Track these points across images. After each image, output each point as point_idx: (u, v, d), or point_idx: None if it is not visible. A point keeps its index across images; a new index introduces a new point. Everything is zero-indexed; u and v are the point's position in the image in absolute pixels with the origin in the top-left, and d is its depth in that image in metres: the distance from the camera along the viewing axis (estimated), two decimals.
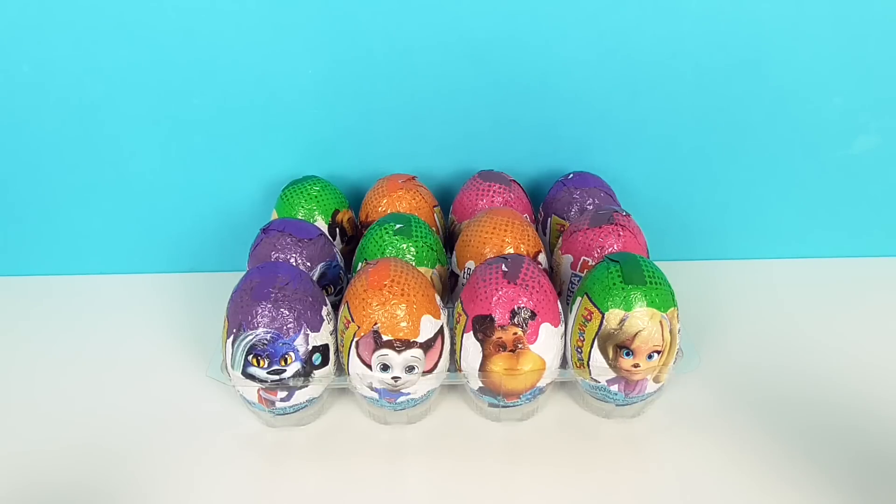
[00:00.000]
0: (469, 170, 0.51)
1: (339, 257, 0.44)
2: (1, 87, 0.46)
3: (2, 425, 0.41)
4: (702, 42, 0.46)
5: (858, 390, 0.43)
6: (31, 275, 0.54)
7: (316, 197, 0.47)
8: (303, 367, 0.36)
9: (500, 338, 0.36)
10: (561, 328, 0.38)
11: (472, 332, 0.37)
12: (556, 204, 0.48)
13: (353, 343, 0.36)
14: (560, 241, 0.44)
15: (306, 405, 0.39)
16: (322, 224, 0.47)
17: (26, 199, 0.51)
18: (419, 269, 0.39)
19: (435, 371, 0.38)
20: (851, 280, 0.53)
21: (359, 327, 0.36)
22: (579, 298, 0.38)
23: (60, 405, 0.43)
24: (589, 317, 0.37)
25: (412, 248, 0.42)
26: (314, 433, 0.40)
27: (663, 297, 0.36)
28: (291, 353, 0.36)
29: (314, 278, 0.41)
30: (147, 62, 0.45)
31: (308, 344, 0.36)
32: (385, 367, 0.36)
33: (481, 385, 0.38)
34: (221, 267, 0.52)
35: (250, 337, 0.35)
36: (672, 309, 0.36)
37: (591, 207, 0.46)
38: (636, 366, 0.36)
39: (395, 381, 0.37)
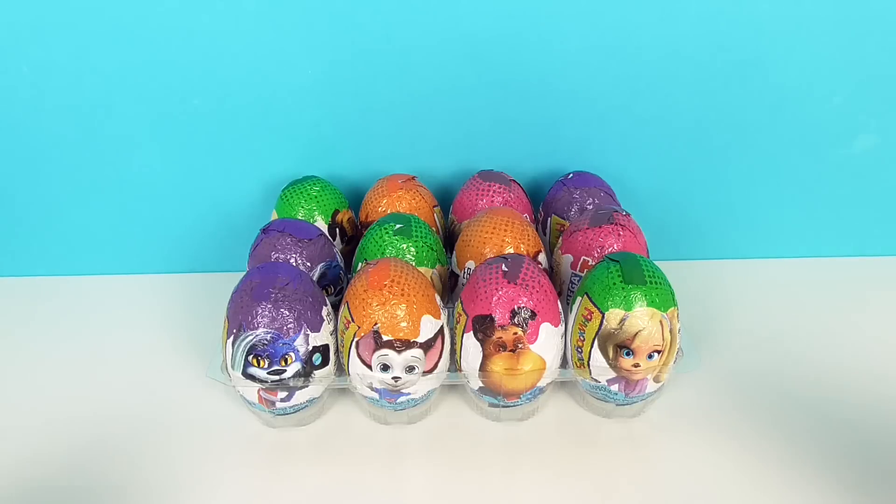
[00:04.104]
0: (469, 170, 0.51)
1: (339, 257, 0.44)
2: (1, 87, 0.46)
3: (1, 426, 0.41)
4: (702, 42, 0.46)
5: (859, 389, 0.43)
6: (31, 275, 0.54)
7: (316, 197, 0.47)
8: (303, 367, 0.36)
9: (501, 338, 0.36)
10: (561, 328, 0.38)
11: (472, 332, 0.37)
12: (556, 204, 0.48)
13: (354, 343, 0.36)
14: (560, 240, 0.44)
15: (306, 405, 0.39)
16: (322, 224, 0.47)
17: (26, 199, 0.51)
18: (419, 269, 0.39)
19: (435, 371, 0.38)
20: (851, 279, 0.53)
21: (359, 327, 0.36)
22: (579, 298, 0.38)
23: (59, 406, 0.43)
24: (589, 316, 0.37)
25: (412, 248, 0.42)
26: (314, 433, 0.40)
27: (663, 296, 0.36)
28: (291, 354, 0.36)
29: (314, 278, 0.41)
30: (147, 62, 0.45)
31: (308, 344, 0.36)
32: (385, 368, 0.36)
33: (481, 385, 0.38)
34: (221, 267, 0.52)
35: (250, 337, 0.35)
36: (672, 308, 0.36)
37: (591, 207, 0.46)
38: (636, 365, 0.36)
39: (396, 382, 0.37)
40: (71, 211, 0.51)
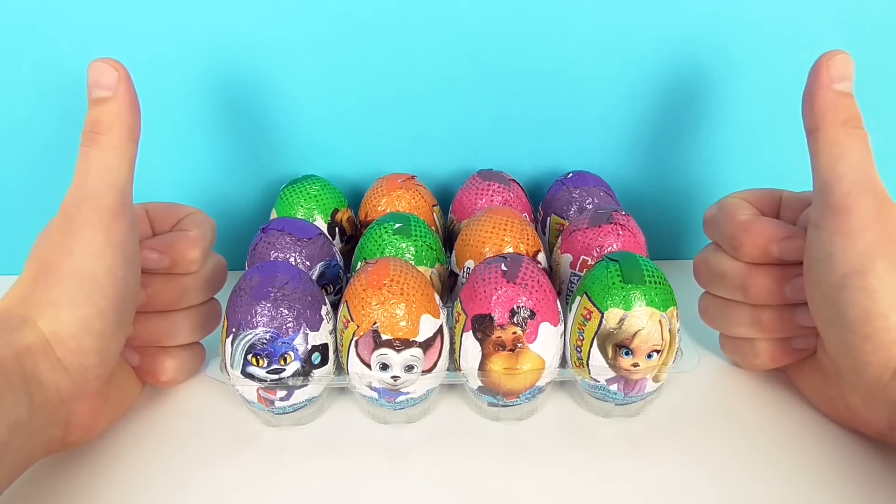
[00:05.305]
0: (468, 169, 0.51)
1: (338, 257, 0.44)
2: (1, 87, 0.46)
3: None
4: (702, 42, 0.46)
5: None
6: None
7: (315, 196, 0.47)
8: (302, 366, 0.36)
9: (500, 337, 0.36)
10: (560, 327, 0.38)
11: (471, 332, 0.37)
12: (555, 203, 0.48)
13: (353, 342, 0.36)
14: (559, 240, 0.44)
15: (306, 404, 0.39)
16: (321, 223, 0.47)
17: (26, 199, 0.51)
18: (418, 268, 0.39)
19: (434, 370, 0.38)
20: None
21: (358, 326, 0.36)
22: (578, 298, 0.38)
23: None
24: (588, 316, 0.37)
25: (411, 248, 0.42)
26: (314, 432, 0.40)
27: (663, 296, 0.36)
28: (291, 353, 0.36)
29: (313, 278, 0.41)
30: (147, 62, 0.45)
31: (307, 343, 0.36)
32: (384, 367, 0.36)
33: (480, 384, 0.38)
34: None
35: (249, 336, 0.35)
36: (671, 308, 0.37)
37: (591, 207, 0.46)
38: (635, 365, 0.36)
39: (395, 381, 0.37)
40: None
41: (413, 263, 0.40)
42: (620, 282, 0.36)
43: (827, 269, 0.34)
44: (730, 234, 0.39)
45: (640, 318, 0.35)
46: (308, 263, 0.41)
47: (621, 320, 0.36)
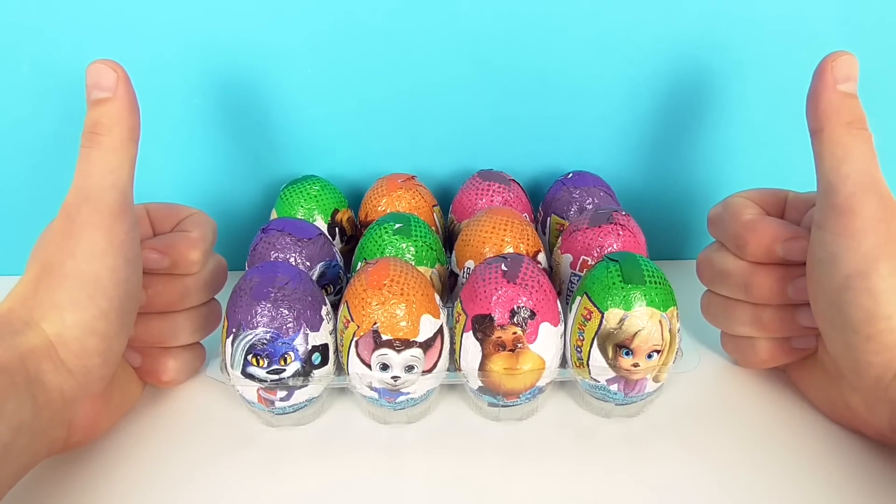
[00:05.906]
0: (468, 169, 0.51)
1: (338, 257, 0.44)
2: (1, 87, 0.46)
3: None
4: (702, 41, 0.46)
5: None
6: None
7: (315, 196, 0.47)
8: (302, 366, 0.36)
9: (500, 337, 0.36)
10: (560, 327, 0.38)
11: (471, 332, 0.37)
12: (555, 203, 0.48)
13: (353, 342, 0.36)
14: (559, 240, 0.44)
15: (306, 405, 0.39)
16: (321, 223, 0.47)
17: (26, 199, 0.51)
18: (419, 268, 0.39)
19: (434, 370, 0.38)
20: None
21: (358, 327, 0.36)
22: (579, 298, 0.38)
23: None
24: (588, 316, 0.37)
25: (411, 248, 0.42)
26: (314, 433, 0.40)
27: (663, 296, 0.36)
28: (291, 353, 0.36)
29: (313, 278, 0.41)
30: (147, 62, 0.45)
31: (308, 343, 0.36)
32: (384, 367, 0.36)
33: (481, 384, 0.38)
34: None
35: (250, 336, 0.35)
36: (672, 308, 0.37)
37: (591, 207, 0.46)
38: (636, 365, 0.36)
39: (395, 381, 0.37)
40: None
41: (413, 263, 0.40)
42: (620, 282, 0.36)
43: (830, 270, 0.34)
44: (735, 233, 0.39)
45: (640, 318, 0.35)
46: (308, 264, 0.41)
47: (621, 320, 0.36)
